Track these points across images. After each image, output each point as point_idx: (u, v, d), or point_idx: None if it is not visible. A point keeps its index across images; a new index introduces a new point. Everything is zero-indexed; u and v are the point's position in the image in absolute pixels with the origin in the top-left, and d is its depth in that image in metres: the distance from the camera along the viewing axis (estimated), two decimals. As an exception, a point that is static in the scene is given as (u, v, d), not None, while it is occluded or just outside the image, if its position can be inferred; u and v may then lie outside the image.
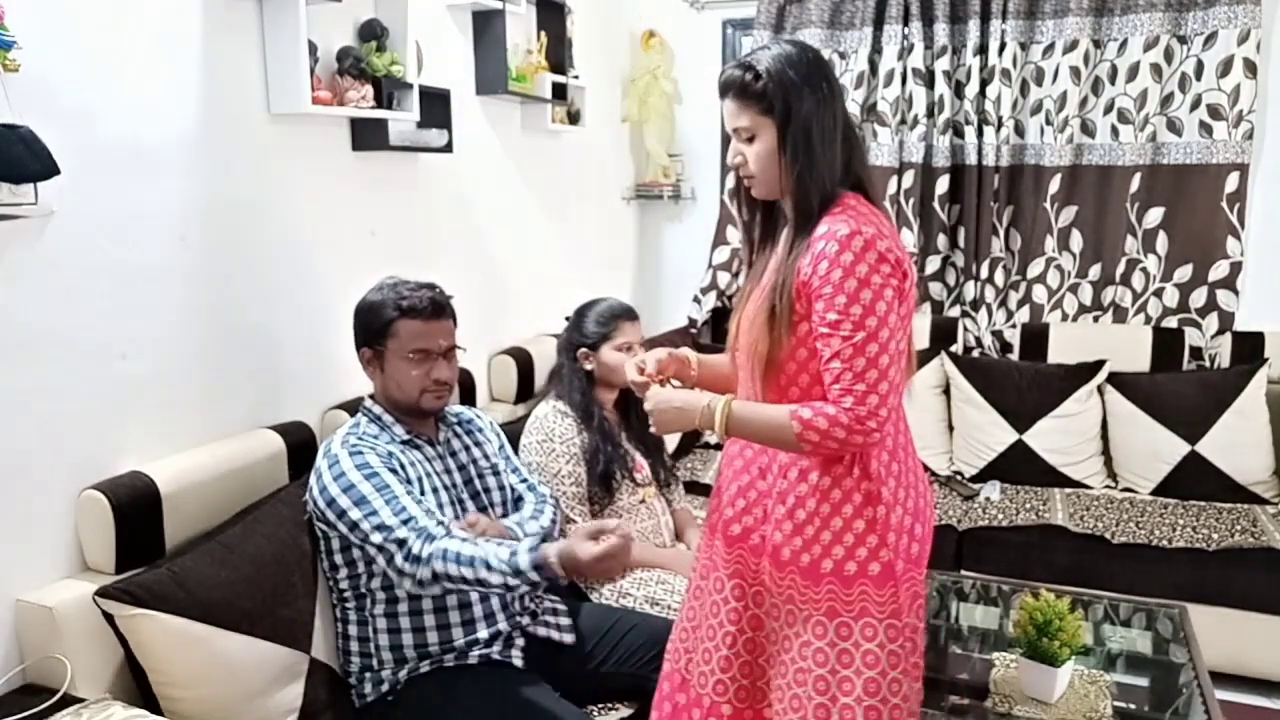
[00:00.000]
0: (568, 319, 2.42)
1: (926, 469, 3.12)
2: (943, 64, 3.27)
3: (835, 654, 1.40)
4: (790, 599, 1.42)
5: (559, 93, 2.94)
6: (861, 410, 1.31)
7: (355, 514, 1.62)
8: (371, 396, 1.86)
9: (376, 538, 1.60)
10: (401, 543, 1.58)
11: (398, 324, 1.77)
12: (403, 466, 1.72)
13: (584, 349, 2.32)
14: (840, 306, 1.32)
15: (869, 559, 1.39)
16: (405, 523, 1.59)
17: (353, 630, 1.76)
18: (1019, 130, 3.29)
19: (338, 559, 1.74)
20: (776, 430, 1.37)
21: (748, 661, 1.51)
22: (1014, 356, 3.34)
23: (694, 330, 3.69)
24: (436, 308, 1.80)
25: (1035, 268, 3.35)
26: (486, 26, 2.63)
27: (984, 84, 3.27)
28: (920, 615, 1.48)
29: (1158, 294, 3.21)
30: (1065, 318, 3.36)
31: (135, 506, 1.61)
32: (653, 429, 1.50)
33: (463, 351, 1.88)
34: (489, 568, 1.51)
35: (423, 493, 1.75)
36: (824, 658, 1.40)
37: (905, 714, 1.44)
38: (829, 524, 1.40)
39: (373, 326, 1.79)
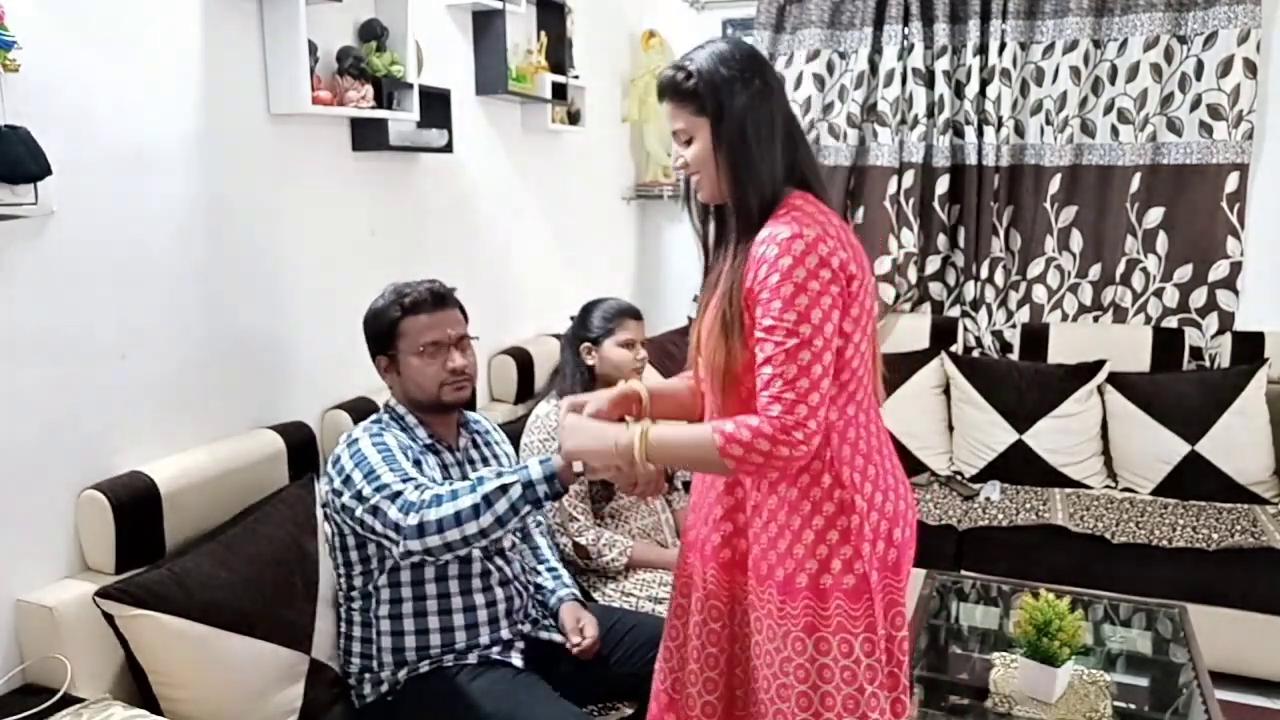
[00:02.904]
0: (573, 318, 2.43)
1: (927, 469, 3.18)
2: (943, 64, 3.27)
3: (816, 669, 1.37)
4: (770, 613, 1.39)
5: (559, 93, 2.94)
6: (789, 420, 1.24)
7: (362, 484, 1.61)
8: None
9: (375, 498, 1.58)
10: (396, 494, 1.57)
11: (403, 323, 1.77)
12: (418, 465, 1.71)
13: (587, 343, 2.34)
14: (775, 312, 1.27)
15: (843, 572, 1.35)
16: (405, 481, 1.59)
17: (356, 631, 1.76)
18: (1019, 130, 3.29)
19: (353, 555, 1.74)
20: (698, 449, 1.31)
21: (711, 678, 1.48)
22: (1014, 356, 3.34)
23: (694, 330, 3.68)
24: (437, 298, 1.80)
25: (1035, 268, 3.35)
26: (486, 26, 2.63)
27: (984, 84, 3.27)
28: (897, 624, 1.44)
29: (1158, 294, 3.21)
30: (1065, 318, 3.36)
31: (135, 506, 1.61)
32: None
33: (476, 340, 1.86)
34: (492, 493, 1.48)
35: None
36: (805, 673, 1.37)
37: None
38: (800, 537, 1.36)
39: (381, 331, 1.79)
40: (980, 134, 3.30)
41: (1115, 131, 3.18)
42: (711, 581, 1.47)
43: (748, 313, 1.32)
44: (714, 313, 1.38)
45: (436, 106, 2.39)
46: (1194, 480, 2.93)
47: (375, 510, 1.58)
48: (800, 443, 1.25)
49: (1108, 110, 3.19)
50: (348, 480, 1.64)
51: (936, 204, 3.38)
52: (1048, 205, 3.29)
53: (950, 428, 3.28)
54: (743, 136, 1.34)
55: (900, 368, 3.26)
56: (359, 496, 1.61)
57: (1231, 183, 3.05)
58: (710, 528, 1.47)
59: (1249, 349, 3.06)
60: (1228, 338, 3.11)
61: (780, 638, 1.38)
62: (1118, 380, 3.09)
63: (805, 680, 1.37)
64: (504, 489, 1.48)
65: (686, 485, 2.67)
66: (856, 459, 1.38)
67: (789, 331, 1.26)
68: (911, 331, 3.42)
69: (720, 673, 1.48)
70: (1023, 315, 3.39)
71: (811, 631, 1.36)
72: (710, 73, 1.34)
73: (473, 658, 1.74)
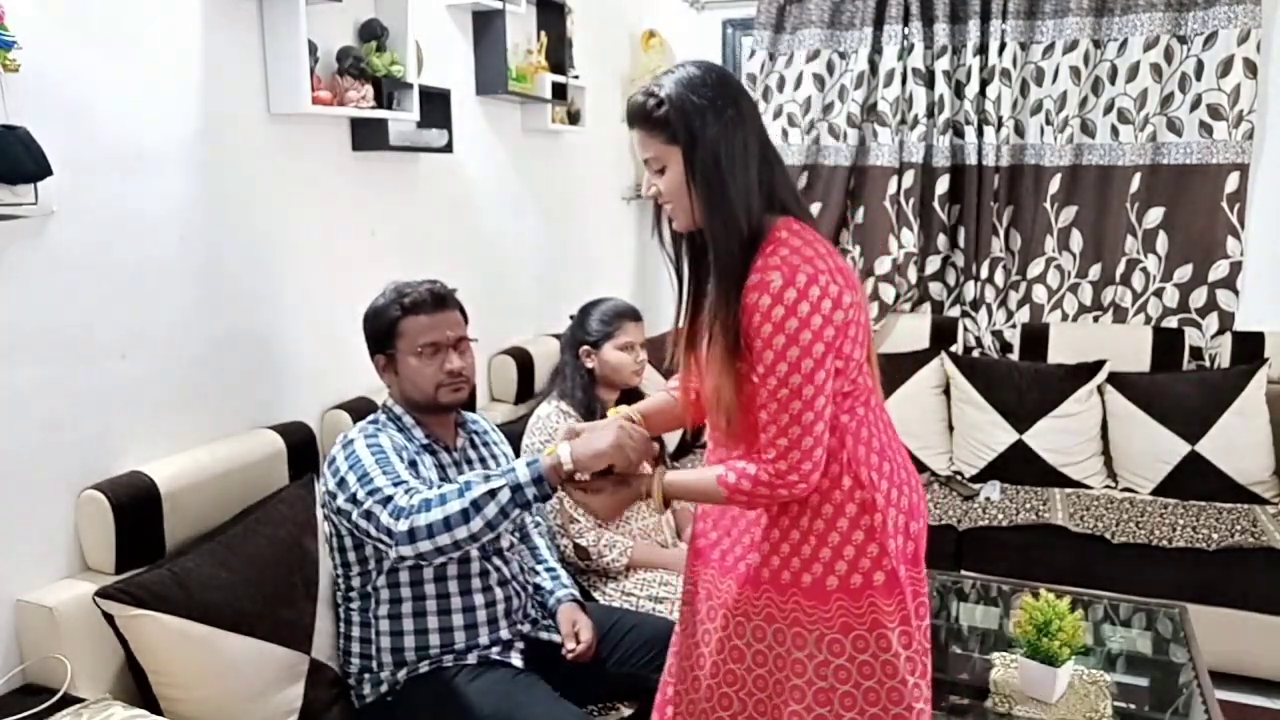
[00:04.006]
0: (572, 317, 2.43)
1: (927, 469, 3.18)
2: (943, 64, 3.27)
3: (856, 667, 1.37)
4: (797, 621, 1.38)
5: (559, 93, 2.93)
6: (783, 465, 1.30)
7: (355, 487, 1.61)
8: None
9: (368, 502, 1.58)
10: (388, 499, 1.57)
11: (403, 323, 1.77)
12: (414, 466, 1.71)
13: (586, 346, 2.33)
14: (768, 362, 1.28)
15: (872, 569, 1.36)
16: (396, 485, 1.59)
17: (355, 631, 1.76)
18: (1019, 130, 3.29)
19: (351, 556, 1.74)
20: (709, 495, 1.39)
21: (726, 694, 1.47)
22: (1014, 356, 3.34)
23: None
24: (437, 299, 1.80)
25: (1035, 268, 3.35)
26: (486, 26, 2.63)
27: (984, 84, 3.27)
28: (921, 614, 1.45)
29: (1158, 294, 3.21)
30: (1065, 318, 3.36)
31: (135, 506, 1.61)
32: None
33: (475, 342, 1.86)
34: (481, 498, 1.47)
35: None
36: (846, 674, 1.37)
37: (929, 717, 1.42)
38: (826, 540, 1.36)
39: (380, 330, 1.79)
40: (980, 134, 3.30)
41: (1115, 131, 3.18)
42: (723, 592, 1.45)
43: (748, 351, 1.32)
44: (712, 347, 1.36)
45: (436, 106, 2.39)
46: (1194, 480, 2.93)
47: (368, 515, 1.58)
48: (797, 483, 1.31)
49: (1108, 110, 3.18)
50: (342, 483, 1.65)
51: (936, 204, 3.38)
52: (1048, 205, 3.29)
53: (950, 428, 3.28)
54: (717, 165, 1.30)
55: (900, 368, 3.26)
56: (353, 500, 1.61)
57: (1231, 183, 3.05)
58: (719, 535, 1.46)
59: (1249, 349, 3.06)
60: (1228, 338, 3.11)
61: (813, 643, 1.38)
62: (1118, 380, 3.09)
63: (847, 680, 1.38)
64: (492, 494, 1.48)
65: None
66: (872, 457, 1.39)
67: (780, 382, 1.29)
68: (911, 331, 3.43)
69: (718, 683, 1.46)
70: (1023, 315, 3.39)
71: (848, 631, 1.37)
72: (681, 99, 1.30)
73: (472, 658, 1.74)
